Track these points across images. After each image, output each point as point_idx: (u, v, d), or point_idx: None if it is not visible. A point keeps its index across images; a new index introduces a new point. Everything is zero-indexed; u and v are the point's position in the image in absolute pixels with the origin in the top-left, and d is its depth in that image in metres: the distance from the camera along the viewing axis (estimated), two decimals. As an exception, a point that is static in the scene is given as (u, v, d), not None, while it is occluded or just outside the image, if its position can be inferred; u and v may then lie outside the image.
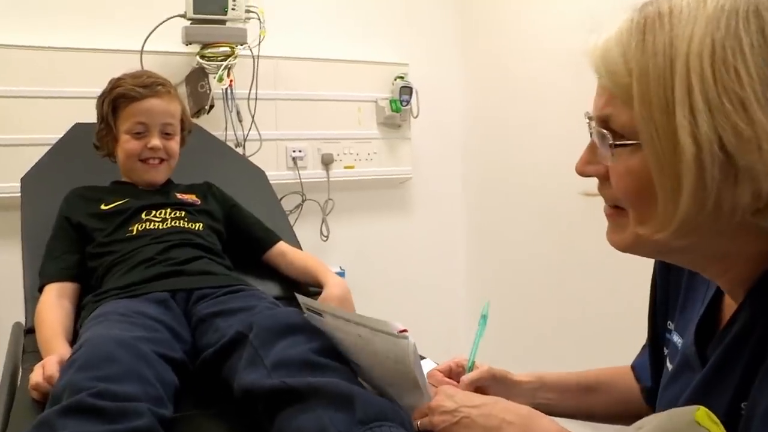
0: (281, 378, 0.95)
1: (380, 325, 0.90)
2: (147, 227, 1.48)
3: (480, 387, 1.03)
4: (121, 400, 0.88)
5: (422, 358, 1.02)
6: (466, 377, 1.02)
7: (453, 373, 1.08)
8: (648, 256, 0.81)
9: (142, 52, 2.19)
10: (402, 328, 0.88)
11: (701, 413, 0.58)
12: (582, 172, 0.76)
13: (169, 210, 1.54)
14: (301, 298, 1.08)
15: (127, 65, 1.72)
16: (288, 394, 0.92)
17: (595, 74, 0.71)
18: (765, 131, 0.58)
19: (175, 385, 1.04)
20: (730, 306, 0.79)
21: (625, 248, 0.74)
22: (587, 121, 0.76)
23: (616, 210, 0.74)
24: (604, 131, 0.69)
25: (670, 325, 0.92)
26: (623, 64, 0.66)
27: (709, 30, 0.61)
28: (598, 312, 2.37)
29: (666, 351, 0.93)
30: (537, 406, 0.94)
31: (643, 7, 0.68)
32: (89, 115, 1.74)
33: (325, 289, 1.53)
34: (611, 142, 0.68)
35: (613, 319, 2.28)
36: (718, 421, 0.58)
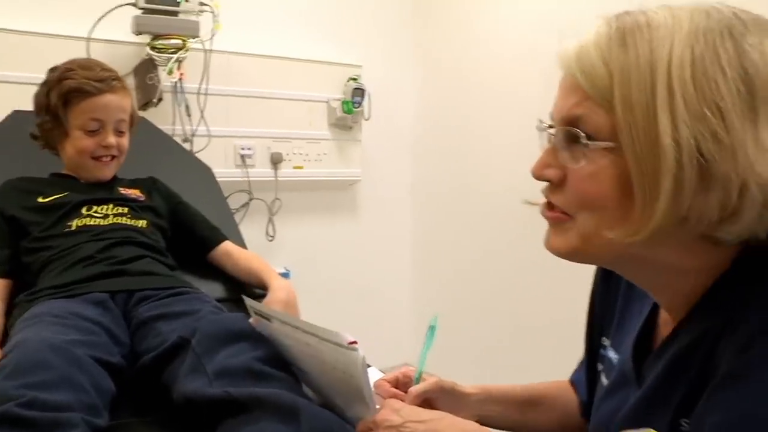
0: (224, 387, 0.92)
1: (329, 335, 0.88)
2: (87, 223, 1.42)
3: (428, 399, 1.02)
4: (52, 410, 0.84)
5: (368, 366, 1.00)
6: (414, 389, 1.01)
7: (400, 384, 1.07)
8: (588, 263, 0.80)
9: (88, 39, 2.12)
10: (351, 340, 0.86)
11: None
12: (539, 176, 0.75)
13: (111, 205, 1.48)
14: (248, 301, 1.05)
15: (72, 52, 1.66)
16: (231, 404, 0.89)
17: (566, 75, 0.71)
18: (740, 140, 0.60)
19: (112, 391, 1.00)
20: (665, 323, 0.80)
21: (568, 254, 0.74)
22: (545, 127, 0.75)
23: (560, 215, 0.73)
24: (576, 130, 0.68)
25: (605, 341, 0.94)
26: (603, 67, 0.66)
27: (689, 41, 0.63)
28: (545, 319, 2.39)
29: (601, 367, 0.94)
30: (483, 419, 0.93)
31: (620, 17, 0.68)
32: (29, 101, 1.67)
33: (270, 293, 1.50)
34: (584, 142, 0.68)
35: (559, 326, 2.30)
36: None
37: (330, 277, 2.87)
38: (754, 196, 0.61)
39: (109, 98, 1.48)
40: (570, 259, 0.75)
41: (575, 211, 0.71)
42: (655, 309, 0.83)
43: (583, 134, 0.68)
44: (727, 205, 0.62)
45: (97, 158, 1.51)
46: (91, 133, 1.48)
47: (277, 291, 1.49)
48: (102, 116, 1.48)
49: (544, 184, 0.75)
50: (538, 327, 2.43)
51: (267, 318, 0.99)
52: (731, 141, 0.60)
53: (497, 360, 2.56)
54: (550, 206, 0.75)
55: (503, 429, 1.06)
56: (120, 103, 1.51)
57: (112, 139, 1.49)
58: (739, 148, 0.60)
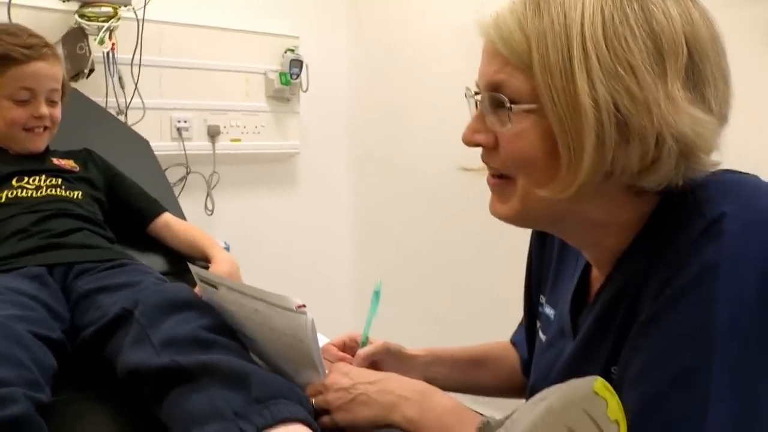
0: (171, 356, 0.90)
1: (278, 300, 0.87)
2: (18, 194, 1.36)
3: (375, 362, 1.04)
4: None
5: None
6: (362, 351, 1.03)
7: (347, 348, 1.08)
8: (530, 226, 0.87)
9: (9, 4, 2.01)
10: (300, 304, 0.86)
11: (599, 384, 0.61)
12: (470, 142, 0.78)
13: (44, 177, 1.43)
14: (194, 268, 1.03)
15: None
16: (178, 373, 0.88)
17: (487, 42, 0.74)
18: (654, 96, 0.64)
19: (53, 367, 0.97)
20: (597, 278, 0.85)
21: (510, 218, 0.77)
22: (472, 94, 0.79)
23: (502, 180, 0.76)
24: (499, 95, 0.71)
25: (542, 299, 0.98)
26: (519, 31, 0.69)
27: (599, 3, 0.66)
28: (483, 285, 2.44)
29: (539, 324, 0.98)
30: (429, 380, 0.95)
31: None
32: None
33: (213, 265, 1.48)
34: (508, 105, 0.71)
35: (498, 292, 2.35)
36: (613, 390, 0.61)
37: (270, 250, 2.85)
38: (671, 145, 0.65)
39: (39, 66, 1.42)
40: (512, 223, 0.78)
41: (513, 172, 0.74)
42: (588, 266, 0.87)
43: (506, 99, 0.71)
44: (646, 155, 0.66)
45: (28, 129, 1.45)
46: (22, 103, 1.43)
47: (220, 263, 1.47)
48: (33, 85, 1.42)
49: (481, 151, 0.78)
50: (477, 293, 2.47)
51: (214, 285, 0.98)
52: (644, 96, 0.64)
53: (438, 328, 2.60)
54: (492, 174, 0.78)
55: (450, 390, 1.08)
56: (51, 71, 1.45)
57: (44, 109, 1.44)
58: (652, 102, 0.64)
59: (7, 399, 0.80)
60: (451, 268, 2.60)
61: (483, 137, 0.76)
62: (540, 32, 0.67)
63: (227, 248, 2.65)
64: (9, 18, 1.96)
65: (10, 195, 1.36)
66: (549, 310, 0.94)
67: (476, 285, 2.48)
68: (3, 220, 1.30)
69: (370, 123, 3.00)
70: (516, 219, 0.77)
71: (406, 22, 2.76)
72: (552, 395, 0.63)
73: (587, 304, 0.84)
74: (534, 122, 0.70)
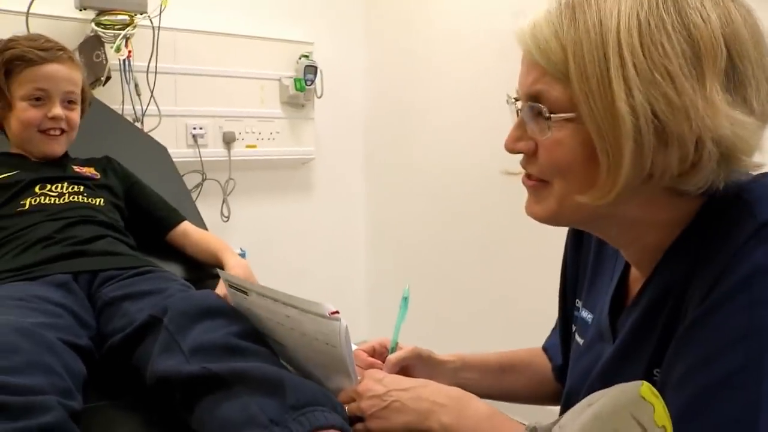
0: (201, 364, 0.89)
1: (311, 306, 0.87)
2: (42, 201, 1.36)
3: (405, 367, 1.03)
4: (25, 394, 0.80)
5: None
6: (393, 356, 1.02)
7: (376, 353, 1.07)
8: (567, 225, 0.87)
9: (27, 13, 2.03)
10: (333, 310, 0.85)
11: (645, 389, 0.60)
12: (511, 149, 0.78)
13: (66, 184, 1.43)
14: (224, 274, 1.03)
15: (11, 28, 1.59)
16: (209, 380, 0.87)
17: (525, 53, 0.74)
18: (692, 100, 0.64)
19: (83, 374, 0.96)
20: (635, 279, 0.84)
21: (547, 218, 0.78)
22: (512, 100, 0.79)
23: (538, 182, 0.77)
24: (538, 105, 0.72)
25: (578, 303, 0.97)
26: (556, 41, 0.69)
27: (634, 9, 0.66)
28: (501, 291, 2.43)
29: (574, 328, 0.97)
30: (460, 386, 0.94)
31: None
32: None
33: (226, 270, 1.47)
34: (548, 115, 0.71)
35: (516, 297, 2.35)
36: (658, 394, 0.61)
37: (285, 256, 2.85)
38: (710, 149, 0.65)
39: (54, 67, 1.43)
40: (548, 223, 0.79)
41: (550, 177, 0.75)
42: (627, 267, 0.87)
43: (545, 108, 0.71)
44: (686, 159, 0.66)
45: (44, 131, 1.45)
46: (37, 103, 1.43)
47: (234, 269, 1.47)
48: (47, 86, 1.42)
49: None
50: (494, 298, 2.46)
51: (244, 291, 0.97)
52: (682, 101, 0.64)
53: (455, 333, 2.58)
54: (528, 175, 0.78)
55: (479, 396, 1.07)
56: (67, 74, 1.45)
57: (58, 110, 1.43)
58: (690, 107, 0.64)
59: (42, 407, 0.79)
60: (467, 272, 2.59)
61: (524, 145, 0.76)
62: (576, 41, 0.68)
63: (243, 254, 2.65)
64: (27, 27, 1.97)
65: (33, 202, 1.36)
66: (586, 314, 0.93)
67: (494, 289, 2.46)
68: (27, 228, 1.29)
69: (385, 129, 2.99)
70: (552, 220, 0.78)
71: (420, 27, 2.75)
72: (599, 400, 0.62)
73: (626, 306, 0.83)
74: (573, 130, 0.70)
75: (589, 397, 0.63)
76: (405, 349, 1.04)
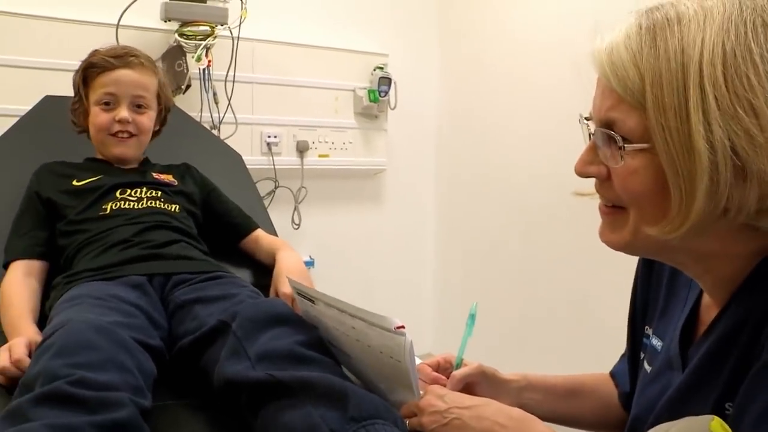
0: (266, 370, 0.91)
1: (377, 319, 0.87)
2: (122, 206, 1.42)
3: (468, 384, 1.02)
4: (101, 390, 0.83)
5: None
6: (457, 372, 1.01)
7: (441, 369, 1.07)
8: (641, 255, 0.85)
9: (117, 26, 2.12)
10: (399, 324, 0.85)
11: (716, 424, 0.58)
12: (582, 173, 0.76)
13: (144, 189, 1.48)
14: (293, 282, 1.05)
15: (102, 39, 1.66)
16: (274, 387, 0.88)
17: (601, 77, 0.72)
18: None
19: (154, 374, 1.00)
20: (708, 308, 0.81)
21: (621, 247, 0.76)
22: (584, 122, 0.77)
23: (613, 209, 0.75)
24: (612, 133, 0.70)
25: (648, 330, 0.93)
26: (634, 69, 0.67)
27: (720, 38, 0.62)
28: (573, 307, 2.38)
29: (643, 355, 0.94)
30: (522, 406, 0.93)
31: (650, 13, 0.68)
32: (60, 87, 1.67)
33: (276, 264, 1.50)
34: (620, 144, 0.69)
35: (588, 314, 2.29)
36: (729, 429, 0.58)
37: (354, 266, 2.87)
38: None
39: (123, 72, 1.48)
40: (622, 251, 0.77)
41: (625, 204, 0.73)
42: (700, 295, 0.83)
43: (619, 137, 0.69)
44: (765, 198, 0.63)
45: (114, 134, 1.50)
46: (106, 107, 1.48)
47: (284, 260, 1.50)
48: (115, 90, 1.48)
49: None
50: (567, 314, 2.41)
51: (311, 300, 0.99)
52: (765, 138, 0.60)
53: (524, 349, 2.54)
54: (605, 204, 0.76)
55: (541, 418, 1.05)
56: (137, 78, 1.50)
57: (124, 113, 1.47)
58: None
59: (116, 403, 0.83)
60: (539, 287, 2.55)
61: (595, 169, 0.74)
62: (655, 71, 0.65)
63: (312, 262, 2.70)
64: (117, 38, 2.05)
65: (114, 206, 1.41)
66: (656, 342, 0.90)
67: (566, 306, 2.41)
68: (107, 231, 1.35)
69: (458, 141, 2.98)
70: (625, 249, 0.76)
71: (494, 39, 2.74)
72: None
73: (697, 335, 0.80)
74: (647, 161, 0.68)
75: (656, 428, 0.61)
76: (470, 366, 1.03)
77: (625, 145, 0.68)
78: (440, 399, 0.90)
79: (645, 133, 0.67)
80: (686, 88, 0.63)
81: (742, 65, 0.61)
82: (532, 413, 0.89)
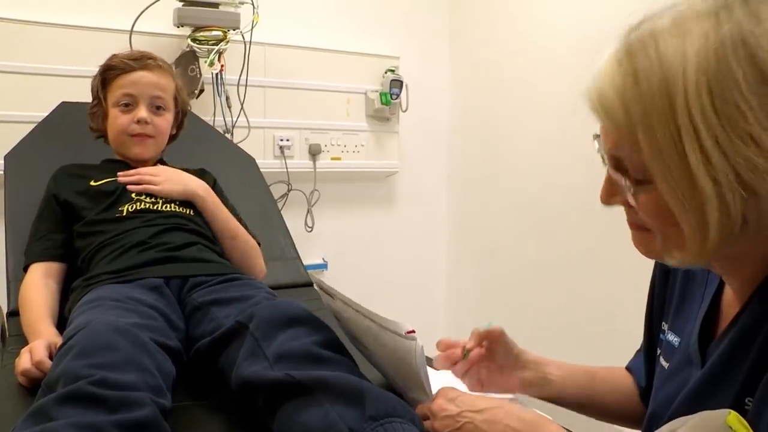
0: (284, 370, 0.92)
1: (388, 323, 0.88)
2: (138, 208, 1.43)
3: (488, 347, 1.03)
4: (122, 389, 0.85)
5: (428, 359, 1.00)
6: (478, 329, 1.03)
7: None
8: (673, 267, 0.85)
9: (131, 32, 2.14)
10: (410, 330, 0.86)
11: (732, 417, 0.58)
12: (608, 204, 0.76)
13: None
14: (315, 278, 1.06)
15: (116, 45, 1.67)
16: (292, 387, 0.89)
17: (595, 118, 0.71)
18: None
19: (173, 374, 1.01)
20: (729, 304, 0.80)
21: (653, 258, 0.76)
22: (596, 146, 0.75)
23: (641, 228, 0.74)
24: (620, 175, 0.70)
25: (664, 326, 0.93)
26: (622, 108, 0.66)
27: (701, 66, 0.60)
28: (586, 308, 2.37)
29: (659, 351, 0.93)
30: (545, 381, 0.93)
31: (630, 45, 0.67)
32: (76, 94, 1.69)
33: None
34: (629, 185, 0.69)
35: (601, 315, 2.29)
36: (746, 424, 0.58)
37: (366, 268, 2.88)
38: None
39: (140, 74, 1.50)
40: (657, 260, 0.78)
41: (654, 231, 0.72)
42: (718, 291, 0.83)
43: (626, 179, 0.69)
44: None
45: (133, 136, 1.51)
46: (125, 108, 1.50)
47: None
48: (133, 91, 1.49)
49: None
50: (579, 316, 2.40)
51: (331, 295, 1.00)
52: None
53: (538, 352, 2.54)
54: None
55: (563, 399, 1.05)
56: (154, 79, 1.51)
57: (143, 113, 1.49)
58: None
59: (137, 403, 0.84)
60: (551, 289, 2.54)
61: (619, 199, 0.74)
62: (643, 109, 0.64)
63: (325, 265, 2.71)
64: (130, 44, 2.07)
65: (130, 209, 1.42)
66: (672, 337, 0.90)
67: (579, 307, 2.41)
68: (124, 233, 1.36)
69: (469, 143, 2.98)
70: (657, 260, 0.77)
71: (505, 42, 2.74)
72: (683, 426, 0.60)
73: (716, 331, 0.80)
74: (657, 196, 0.67)
75: (672, 422, 0.61)
76: (494, 327, 1.03)
77: (633, 186, 0.69)
78: (452, 402, 0.90)
79: (648, 171, 0.66)
80: (677, 125, 0.61)
81: (728, 93, 0.59)
82: (556, 390, 0.89)
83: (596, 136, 0.75)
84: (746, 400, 0.70)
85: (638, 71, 0.64)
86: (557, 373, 1.05)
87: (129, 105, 1.50)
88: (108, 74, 1.51)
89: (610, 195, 0.75)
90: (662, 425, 0.73)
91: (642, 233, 0.74)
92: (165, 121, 1.55)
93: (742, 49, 0.60)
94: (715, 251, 0.65)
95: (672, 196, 0.64)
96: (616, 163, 0.70)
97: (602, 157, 0.75)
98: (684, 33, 0.62)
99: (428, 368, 0.93)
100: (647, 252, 0.75)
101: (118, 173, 1.48)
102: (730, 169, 0.60)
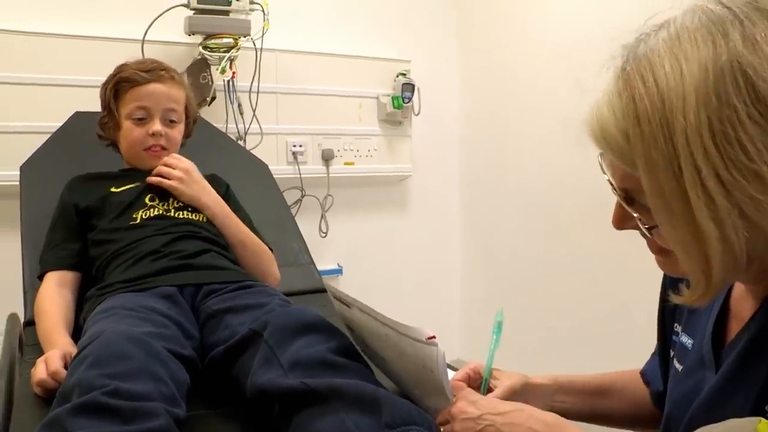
0: (299, 378, 0.91)
1: (408, 330, 0.88)
2: (151, 215, 1.43)
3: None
4: (135, 400, 0.84)
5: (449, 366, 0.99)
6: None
7: (471, 380, 1.06)
8: None
9: (143, 41, 2.15)
10: (431, 335, 0.86)
11: (763, 425, 0.57)
12: (620, 229, 0.76)
13: (172, 199, 1.48)
14: (330, 287, 1.05)
15: (128, 54, 1.68)
16: (307, 395, 0.89)
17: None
18: None
19: (188, 384, 1.00)
20: (739, 299, 0.80)
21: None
22: (600, 165, 0.75)
23: (662, 250, 0.73)
24: (629, 209, 0.70)
25: (677, 328, 0.93)
26: (627, 146, 0.65)
27: (701, 102, 0.59)
28: (598, 308, 2.36)
29: (672, 353, 0.93)
30: (553, 409, 0.92)
31: (628, 76, 0.66)
32: (89, 103, 1.70)
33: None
34: (637, 222, 0.70)
35: (614, 315, 2.27)
36: (775, 431, 0.57)
37: (380, 272, 2.88)
38: None
39: (154, 86, 1.49)
40: None
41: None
42: (729, 293, 0.83)
43: (636, 214, 0.70)
44: None
45: (147, 149, 1.51)
46: (139, 121, 1.50)
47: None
48: (147, 103, 1.49)
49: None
50: (592, 316, 2.39)
51: (346, 304, 0.99)
52: None
53: (552, 352, 2.52)
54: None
55: (575, 419, 1.04)
56: (167, 92, 1.51)
57: (158, 126, 1.49)
58: None
59: (150, 413, 0.83)
60: (565, 290, 2.52)
61: (633, 224, 0.73)
62: (646, 154, 0.63)
63: (340, 269, 2.71)
64: (142, 52, 2.08)
65: (144, 216, 1.42)
66: (685, 339, 0.89)
67: (591, 307, 2.39)
68: (137, 241, 1.36)
69: (482, 145, 2.97)
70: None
71: (515, 44, 2.73)
72: (712, 434, 0.59)
73: (729, 330, 0.79)
74: (665, 234, 0.67)
75: (700, 430, 0.60)
76: (502, 386, 1.01)
77: (640, 224, 0.69)
78: (473, 405, 0.89)
79: (652, 215, 0.67)
80: (679, 168, 0.60)
81: (731, 130, 0.58)
82: (564, 415, 0.88)
83: (601, 155, 0.74)
84: (766, 408, 0.69)
85: (638, 108, 0.63)
86: (567, 399, 1.05)
87: (143, 119, 1.50)
88: (121, 86, 1.51)
89: (623, 221, 0.75)
90: (681, 427, 0.72)
91: (665, 257, 0.73)
92: (178, 133, 1.56)
93: (742, 78, 0.58)
94: (724, 286, 0.66)
95: (675, 241, 0.64)
96: (626, 193, 0.70)
97: (610, 183, 0.74)
98: (681, 61, 0.61)
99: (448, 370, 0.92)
100: (676, 274, 0.74)
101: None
102: (733, 208, 0.59)
